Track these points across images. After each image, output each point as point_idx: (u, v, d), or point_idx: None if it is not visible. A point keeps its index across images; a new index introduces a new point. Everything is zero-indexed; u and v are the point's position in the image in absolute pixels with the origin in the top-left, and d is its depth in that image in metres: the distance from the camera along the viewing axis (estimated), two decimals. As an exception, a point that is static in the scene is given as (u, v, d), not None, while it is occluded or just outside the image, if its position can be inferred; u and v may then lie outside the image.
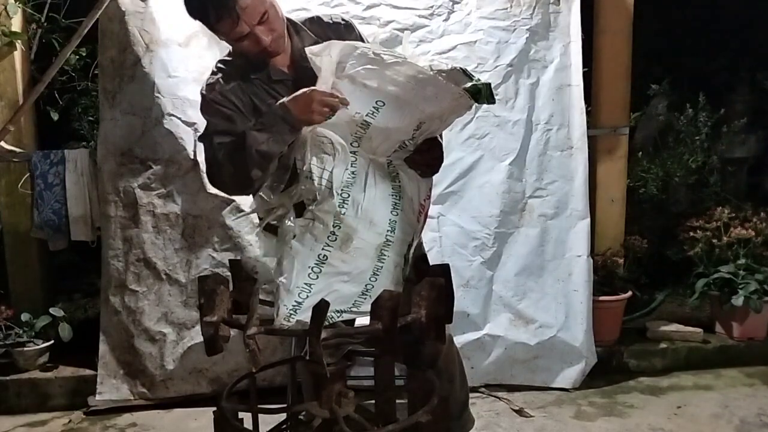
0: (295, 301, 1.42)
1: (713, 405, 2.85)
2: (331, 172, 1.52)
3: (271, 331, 1.37)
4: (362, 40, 1.74)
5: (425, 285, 1.39)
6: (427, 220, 1.70)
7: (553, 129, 3.14)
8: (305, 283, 1.44)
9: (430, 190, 1.70)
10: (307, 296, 1.42)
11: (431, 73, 1.47)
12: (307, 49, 1.53)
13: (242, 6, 1.54)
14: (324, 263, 1.46)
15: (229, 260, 1.74)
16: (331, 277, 1.45)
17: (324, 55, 1.49)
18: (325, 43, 1.53)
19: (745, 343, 3.31)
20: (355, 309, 1.38)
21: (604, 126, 3.39)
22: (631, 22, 3.32)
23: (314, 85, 1.49)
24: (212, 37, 2.96)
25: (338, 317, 1.41)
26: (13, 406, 2.99)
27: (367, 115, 1.49)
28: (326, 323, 1.38)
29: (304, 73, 1.60)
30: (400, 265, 1.51)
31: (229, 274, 1.59)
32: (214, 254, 2.97)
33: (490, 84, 1.52)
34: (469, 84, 1.49)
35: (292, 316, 1.41)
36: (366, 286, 1.45)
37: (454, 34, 3.12)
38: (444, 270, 1.50)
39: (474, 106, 1.58)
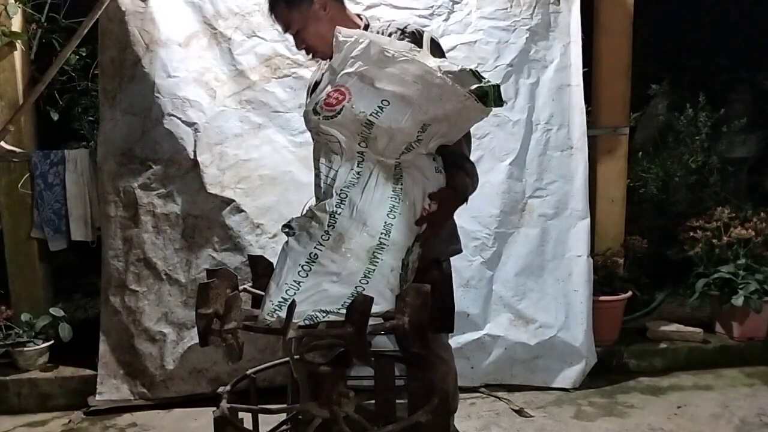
0: (282, 298, 1.42)
1: (713, 405, 2.85)
2: (337, 171, 1.53)
3: (249, 328, 1.37)
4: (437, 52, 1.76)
5: (410, 291, 1.37)
6: None
7: (553, 129, 3.14)
8: (294, 281, 1.44)
9: None
10: (295, 294, 1.41)
11: (439, 74, 1.47)
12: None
13: (272, 18, 1.85)
14: (314, 262, 1.46)
15: (249, 256, 1.75)
16: (321, 276, 1.45)
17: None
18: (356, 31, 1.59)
19: (745, 343, 3.31)
20: (343, 311, 1.37)
21: (604, 126, 3.39)
22: (631, 22, 3.32)
23: None
24: (212, 37, 3.02)
25: (323, 317, 1.40)
26: (13, 406, 2.99)
27: (371, 115, 1.48)
28: (309, 323, 1.39)
29: None
30: (397, 269, 1.49)
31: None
32: (214, 254, 2.97)
33: (498, 86, 1.50)
34: (475, 86, 1.48)
35: (277, 311, 1.40)
36: (356, 288, 1.44)
37: (454, 34, 3.12)
38: (445, 277, 1.48)
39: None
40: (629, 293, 3.29)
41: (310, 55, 1.88)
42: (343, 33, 1.57)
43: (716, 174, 4.22)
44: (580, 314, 3.04)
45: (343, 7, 1.86)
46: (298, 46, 1.86)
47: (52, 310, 3.12)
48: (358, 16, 1.92)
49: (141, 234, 2.98)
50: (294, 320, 1.33)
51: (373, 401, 1.76)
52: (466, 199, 1.79)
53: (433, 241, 1.69)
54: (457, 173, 1.71)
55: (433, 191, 1.61)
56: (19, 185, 3.14)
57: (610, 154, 3.39)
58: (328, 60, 1.82)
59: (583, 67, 3.20)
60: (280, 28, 1.87)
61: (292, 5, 1.78)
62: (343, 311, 1.35)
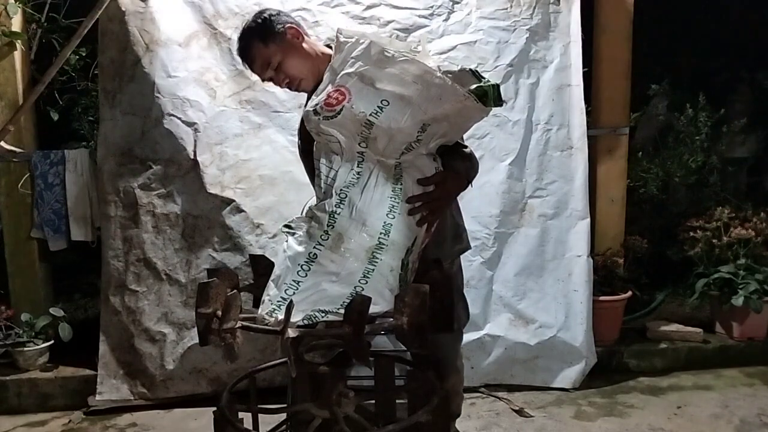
0: (281, 297, 1.42)
1: (713, 405, 2.85)
2: (337, 172, 1.53)
3: (248, 327, 1.38)
4: None
5: (409, 291, 1.37)
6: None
7: (553, 129, 3.15)
8: (293, 280, 1.44)
9: None
10: (294, 293, 1.42)
11: (438, 73, 1.47)
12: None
13: (249, 62, 1.84)
14: (313, 262, 1.46)
15: (250, 255, 1.76)
16: (320, 276, 1.45)
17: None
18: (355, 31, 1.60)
19: (745, 343, 3.31)
20: (342, 310, 1.37)
21: (604, 126, 3.39)
22: (631, 22, 3.33)
23: None
24: (212, 37, 3.02)
25: (323, 317, 1.40)
26: (13, 406, 2.99)
27: (370, 115, 1.48)
28: (308, 323, 1.39)
29: None
30: (396, 270, 1.49)
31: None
32: (214, 254, 2.97)
33: (497, 85, 1.50)
34: (474, 86, 1.48)
35: (276, 311, 1.41)
36: (355, 288, 1.44)
37: (454, 34, 3.12)
38: (445, 277, 1.48)
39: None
40: (629, 293, 3.29)
41: (294, 89, 1.85)
42: (344, 34, 1.58)
43: (716, 174, 4.22)
44: (580, 314, 3.04)
45: (309, 39, 1.86)
46: (281, 83, 1.83)
47: (52, 310, 3.12)
48: (328, 46, 1.89)
49: (141, 234, 2.98)
50: (293, 320, 1.33)
51: (373, 401, 1.76)
52: (469, 181, 1.78)
53: (437, 242, 1.68)
54: (454, 158, 1.70)
55: (421, 177, 1.58)
56: (19, 185, 3.14)
57: (610, 154, 3.39)
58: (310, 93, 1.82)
59: (583, 67, 3.20)
60: (257, 76, 1.84)
61: (267, 40, 1.78)
62: (342, 311, 1.35)
